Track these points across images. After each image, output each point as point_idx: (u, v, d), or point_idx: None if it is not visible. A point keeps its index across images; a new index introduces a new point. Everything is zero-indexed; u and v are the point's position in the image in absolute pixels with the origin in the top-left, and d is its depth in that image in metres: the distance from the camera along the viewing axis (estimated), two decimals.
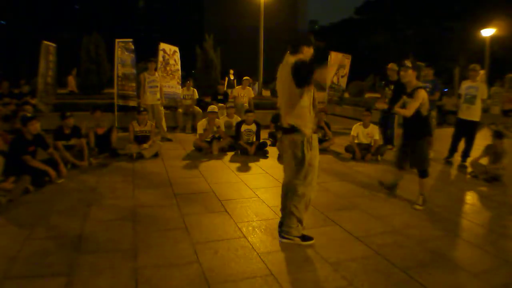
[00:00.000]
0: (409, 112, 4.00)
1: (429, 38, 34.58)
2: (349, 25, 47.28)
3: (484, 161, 5.52)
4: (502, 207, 4.31)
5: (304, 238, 3.09)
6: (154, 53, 9.05)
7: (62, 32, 36.22)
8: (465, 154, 6.17)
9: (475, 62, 7.17)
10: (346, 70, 10.24)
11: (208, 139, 6.82)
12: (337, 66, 9.98)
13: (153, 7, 63.04)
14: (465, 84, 6.26)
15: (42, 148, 4.83)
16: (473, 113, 6.07)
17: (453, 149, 6.39)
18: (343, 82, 10.33)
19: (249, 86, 10.28)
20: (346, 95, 13.71)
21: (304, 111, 2.95)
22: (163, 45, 8.92)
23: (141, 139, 6.34)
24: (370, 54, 36.20)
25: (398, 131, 4.74)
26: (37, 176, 4.43)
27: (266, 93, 17.26)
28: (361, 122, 6.74)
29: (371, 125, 6.65)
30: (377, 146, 6.51)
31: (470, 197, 4.76)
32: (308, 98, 2.96)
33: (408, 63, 4.16)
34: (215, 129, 6.83)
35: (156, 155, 6.29)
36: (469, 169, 5.77)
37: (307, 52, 3.02)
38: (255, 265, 2.74)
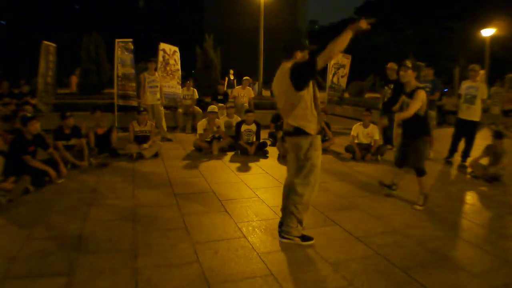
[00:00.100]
0: (409, 113, 4.00)
1: (429, 38, 34.59)
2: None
3: (484, 161, 5.52)
4: (502, 207, 4.31)
5: (304, 238, 3.10)
6: (154, 53, 9.06)
7: (62, 32, 36.20)
8: (465, 154, 6.17)
9: (475, 62, 7.17)
10: (346, 70, 10.24)
11: (208, 139, 6.82)
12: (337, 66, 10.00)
13: (153, 7, 63.05)
14: (465, 84, 6.26)
15: (42, 148, 4.83)
16: (473, 113, 6.07)
17: (453, 149, 6.39)
18: (343, 82, 10.33)
19: (249, 86, 10.29)
20: (346, 95, 13.70)
21: (306, 112, 2.95)
22: (163, 45, 8.92)
23: (141, 139, 6.34)
24: (370, 54, 36.19)
25: (397, 131, 4.75)
26: (37, 176, 4.42)
27: (266, 93, 17.23)
28: (361, 122, 6.74)
29: (371, 125, 6.65)
30: (377, 146, 6.51)
31: (470, 197, 4.76)
32: (309, 98, 2.96)
33: (408, 63, 4.17)
34: (215, 129, 6.83)
35: (156, 155, 6.29)
36: (469, 169, 5.77)
37: (301, 57, 3.01)
38: (255, 265, 2.74)
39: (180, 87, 9.28)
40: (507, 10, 26.11)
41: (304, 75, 2.87)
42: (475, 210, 4.23)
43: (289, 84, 2.89)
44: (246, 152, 6.56)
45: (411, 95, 4.13)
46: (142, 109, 6.78)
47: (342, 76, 10.24)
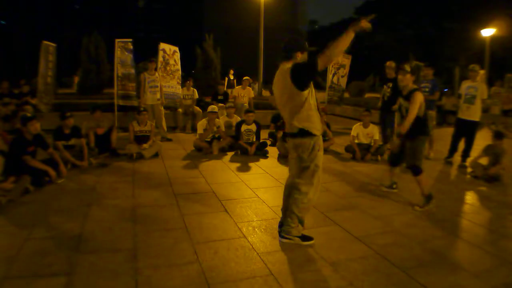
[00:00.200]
0: (410, 119, 4.04)
1: (429, 38, 34.59)
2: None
3: (484, 161, 5.52)
4: (502, 207, 4.31)
5: (304, 238, 3.10)
6: (154, 53, 9.06)
7: (62, 32, 36.19)
8: (465, 154, 6.17)
9: (475, 62, 7.18)
10: (346, 70, 10.24)
11: (208, 139, 6.82)
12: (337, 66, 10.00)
13: (153, 7, 63.04)
14: (465, 84, 6.27)
15: (42, 148, 4.83)
16: (473, 113, 6.07)
17: (453, 149, 6.39)
18: (343, 82, 10.33)
19: (249, 86, 10.29)
20: (346, 95, 13.71)
21: (311, 113, 2.94)
22: (163, 45, 8.92)
23: (141, 139, 6.34)
24: (370, 54, 36.18)
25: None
26: (37, 176, 4.42)
27: (266, 93, 17.26)
28: (361, 122, 6.74)
29: (371, 125, 6.65)
30: (377, 146, 6.51)
31: (470, 197, 4.76)
32: (312, 99, 2.96)
33: (406, 67, 4.20)
34: (215, 129, 6.83)
35: (156, 155, 6.29)
36: (469, 169, 5.77)
37: (301, 58, 3.00)
38: (255, 265, 2.74)
39: (180, 87, 9.28)
40: (507, 10, 26.10)
41: (305, 76, 2.87)
42: (475, 210, 4.23)
43: (290, 85, 2.87)
44: (246, 152, 6.56)
45: (408, 97, 4.14)
46: (142, 109, 6.78)
47: (342, 76, 10.25)
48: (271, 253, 2.93)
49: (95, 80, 13.75)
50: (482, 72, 8.27)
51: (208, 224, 3.48)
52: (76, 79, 15.98)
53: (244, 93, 9.73)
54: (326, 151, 6.90)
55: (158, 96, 7.89)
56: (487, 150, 5.56)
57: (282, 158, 6.22)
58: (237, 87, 10.43)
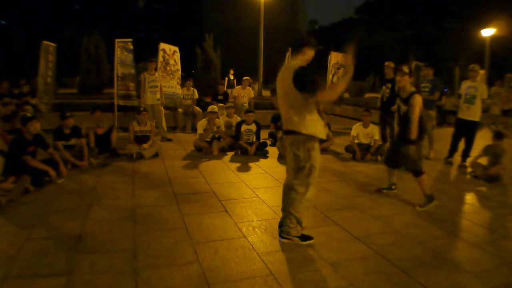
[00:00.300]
0: (415, 123, 4.05)
1: (429, 38, 34.59)
2: (349, 25, 47.27)
3: (483, 161, 5.52)
4: (502, 207, 4.31)
5: (304, 237, 3.10)
6: (154, 53, 9.06)
7: (62, 32, 36.18)
8: (465, 154, 6.17)
9: (475, 62, 7.18)
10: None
11: (208, 139, 6.82)
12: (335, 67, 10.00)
13: (153, 7, 63.04)
14: (465, 84, 6.27)
15: (42, 148, 4.83)
16: (473, 113, 6.07)
17: (453, 149, 6.39)
18: None
19: (249, 86, 10.28)
20: (346, 95, 13.72)
21: (313, 117, 2.96)
22: (163, 45, 8.92)
23: (141, 139, 6.34)
24: (370, 54, 36.19)
25: (397, 130, 4.77)
26: (37, 176, 4.42)
27: (266, 93, 17.25)
28: (361, 122, 6.74)
29: (371, 125, 6.65)
30: (377, 146, 6.51)
31: (470, 197, 4.76)
32: (314, 101, 2.96)
33: (405, 68, 4.19)
34: (215, 129, 6.83)
35: (156, 155, 6.29)
36: (469, 169, 5.77)
37: (309, 53, 3.03)
38: (255, 265, 2.74)
39: (180, 87, 9.28)
40: (507, 10, 26.10)
41: (303, 87, 2.89)
42: (475, 210, 4.23)
43: (292, 85, 2.89)
44: (246, 152, 6.56)
45: (406, 100, 4.13)
46: (142, 109, 6.78)
47: (342, 76, 10.23)
48: (271, 253, 2.93)
49: (95, 80, 13.74)
50: (482, 72, 8.27)
51: (208, 224, 3.48)
52: (78, 79, 15.95)
53: (244, 93, 9.73)
54: (326, 151, 6.92)
55: (158, 96, 7.88)
56: (487, 150, 5.56)
57: (282, 158, 6.22)
58: (237, 87, 10.43)
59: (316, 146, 3.01)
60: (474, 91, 6.05)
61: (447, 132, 6.93)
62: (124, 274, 2.56)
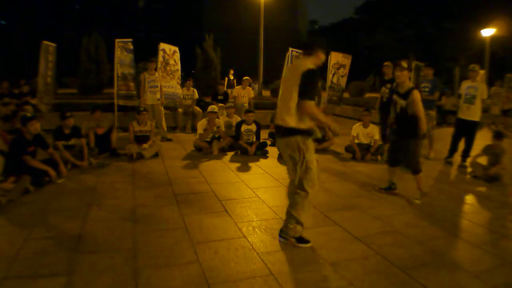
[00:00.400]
0: (423, 119, 4.12)
1: (429, 38, 34.61)
2: (349, 25, 47.29)
3: (483, 161, 5.52)
4: (502, 207, 4.31)
5: (301, 240, 3.06)
6: (154, 53, 9.06)
7: (62, 32, 36.19)
8: (465, 154, 6.17)
9: (475, 62, 7.17)
10: (346, 70, 10.22)
11: (208, 139, 6.82)
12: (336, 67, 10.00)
13: (153, 7, 63.03)
14: (465, 84, 6.27)
15: (42, 148, 4.83)
16: (473, 113, 6.07)
17: (453, 149, 6.39)
18: (343, 82, 10.32)
19: (249, 86, 10.28)
20: (346, 95, 13.72)
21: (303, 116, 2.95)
22: (163, 45, 8.92)
23: (141, 139, 6.34)
24: (370, 54, 36.21)
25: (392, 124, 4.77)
26: (37, 176, 4.42)
27: (266, 93, 17.26)
28: (361, 122, 6.74)
29: (371, 125, 6.65)
30: (377, 146, 6.51)
31: (470, 197, 4.76)
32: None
33: (403, 63, 4.20)
34: (215, 129, 6.83)
35: (156, 155, 6.29)
36: (469, 169, 5.77)
37: (321, 57, 3.03)
38: (255, 265, 2.74)
39: (180, 87, 9.28)
40: (507, 10, 26.10)
41: (310, 89, 2.88)
42: (475, 210, 4.23)
43: (297, 84, 2.88)
44: (246, 152, 6.56)
45: (405, 96, 4.15)
46: (142, 109, 6.78)
47: (342, 76, 10.23)
48: (271, 253, 2.93)
49: (95, 80, 13.75)
50: (482, 72, 8.27)
51: (208, 224, 3.48)
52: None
53: (244, 93, 9.73)
54: (326, 151, 6.93)
55: (158, 96, 7.88)
56: (487, 150, 5.56)
57: (282, 158, 6.21)
58: (237, 87, 10.43)
59: (311, 146, 3.00)
60: (474, 91, 6.05)
61: (447, 132, 6.93)
62: (124, 274, 2.56)
